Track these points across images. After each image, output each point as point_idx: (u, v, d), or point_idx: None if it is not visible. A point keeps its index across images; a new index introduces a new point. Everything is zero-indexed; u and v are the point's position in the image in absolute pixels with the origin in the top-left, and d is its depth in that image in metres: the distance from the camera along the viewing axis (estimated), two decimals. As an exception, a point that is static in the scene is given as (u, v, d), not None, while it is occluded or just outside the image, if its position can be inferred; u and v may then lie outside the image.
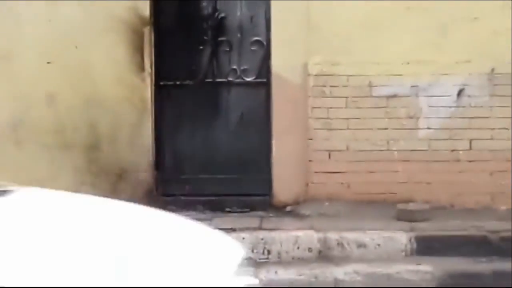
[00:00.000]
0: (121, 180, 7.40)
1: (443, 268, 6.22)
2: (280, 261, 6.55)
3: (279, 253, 6.52)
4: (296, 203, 7.51)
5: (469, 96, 7.43)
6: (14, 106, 7.26)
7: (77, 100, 7.43)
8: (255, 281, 3.90)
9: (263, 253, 6.61)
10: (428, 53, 7.49)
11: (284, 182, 7.67)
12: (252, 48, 7.69)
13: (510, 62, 7.41)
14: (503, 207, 7.36)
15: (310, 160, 7.59)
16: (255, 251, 6.60)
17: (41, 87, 7.33)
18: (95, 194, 6.51)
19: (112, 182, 7.39)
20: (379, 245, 6.57)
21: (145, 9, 7.51)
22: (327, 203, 7.47)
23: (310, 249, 6.57)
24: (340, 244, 6.62)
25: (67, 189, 6.19)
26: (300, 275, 6.30)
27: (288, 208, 7.43)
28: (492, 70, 7.40)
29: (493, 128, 7.50)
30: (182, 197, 7.59)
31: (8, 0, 7.36)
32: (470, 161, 7.50)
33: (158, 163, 7.74)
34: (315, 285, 6.37)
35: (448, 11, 7.48)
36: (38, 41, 7.30)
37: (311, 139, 7.59)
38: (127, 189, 7.42)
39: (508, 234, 6.66)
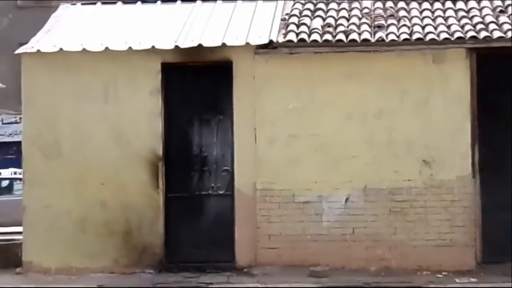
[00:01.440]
0: (144, 253, 10.11)
1: None
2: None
3: None
4: (249, 267, 10.11)
5: (352, 201, 10.22)
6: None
7: (119, 205, 10.19)
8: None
9: None
10: (328, 176, 10.29)
11: (242, 254, 10.23)
12: (223, 174, 10.42)
13: (377, 182, 10.19)
14: (373, 268, 10.02)
15: (257, 241, 10.13)
16: None
17: (97, 198, 10.09)
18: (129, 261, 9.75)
19: (139, 254, 10.11)
20: None
21: (159, 150, 10.32)
22: (267, 267, 10.01)
23: None
24: None
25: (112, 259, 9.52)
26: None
27: (245, 270, 10.05)
28: (365, 186, 10.24)
29: (366, 221, 10.24)
30: (181, 264, 10.17)
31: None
32: (353, 241, 10.19)
33: (167, 243, 10.34)
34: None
35: (340, 151, 10.16)
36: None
37: (258, 228, 10.18)
38: (148, 258, 10.16)
39: (377, 284, 9.39)
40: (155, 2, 12.28)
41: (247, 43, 10.39)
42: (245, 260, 10.26)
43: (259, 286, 9.41)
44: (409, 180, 10.29)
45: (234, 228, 10.36)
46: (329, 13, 11.38)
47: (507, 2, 11.44)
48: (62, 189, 10.17)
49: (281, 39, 10.51)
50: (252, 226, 10.32)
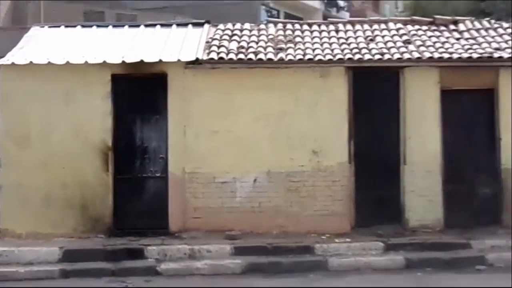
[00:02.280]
0: (97, 222, 11.09)
1: (247, 261, 9.83)
2: (171, 259, 10.04)
3: (170, 256, 10.13)
4: (179, 232, 11.06)
5: (259, 182, 11.28)
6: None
7: (77, 184, 11.12)
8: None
9: (163, 255, 10.14)
10: (240, 163, 11.23)
11: (174, 222, 11.23)
12: (160, 160, 11.41)
13: (278, 167, 11.24)
14: (274, 232, 11.02)
15: (186, 212, 11.16)
16: (159, 255, 10.12)
17: (59, 179, 11.05)
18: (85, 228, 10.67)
19: (93, 223, 11.10)
20: (217, 251, 10.22)
21: (109, 142, 11.23)
22: (194, 232, 10.98)
23: (185, 254, 10.16)
24: (199, 251, 10.18)
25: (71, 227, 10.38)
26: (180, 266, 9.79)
27: (176, 234, 10.98)
28: (269, 170, 11.25)
29: (269, 197, 11.25)
30: (126, 230, 11.02)
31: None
32: (259, 212, 11.22)
33: (115, 214, 11.26)
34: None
35: (250, 144, 11.21)
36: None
37: (187, 202, 11.18)
38: (100, 226, 11.12)
39: (277, 244, 10.38)
40: (107, 26, 12.99)
41: (179, 60, 11.17)
42: (176, 227, 11.18)
43: (187, 246, 10.29)
44: (302, 165, 11.31)
45: (168, 202, 11.32)
46: (243, 38, 12.23)
47: (376, 32, 12.69)
48: (31, 171, 11.00)
49: (205, 57, 11.33)
50: (182, 201, 11.26)
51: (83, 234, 11.04)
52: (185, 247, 10.35)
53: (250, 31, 12.70)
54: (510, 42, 12.30)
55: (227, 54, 11.52)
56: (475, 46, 12.09)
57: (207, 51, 11.61)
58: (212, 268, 9.79)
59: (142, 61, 11.16)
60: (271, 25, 13.26)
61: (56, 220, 11.01)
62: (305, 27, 13.10)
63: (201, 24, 12.75)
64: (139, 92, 11.59)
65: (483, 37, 12.62)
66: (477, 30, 13.01)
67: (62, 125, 11.27)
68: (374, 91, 11.68)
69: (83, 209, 11.19)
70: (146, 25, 12.85)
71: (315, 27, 13.14)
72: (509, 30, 12.96)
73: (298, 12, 29.64)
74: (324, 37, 12.47)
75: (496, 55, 11.74)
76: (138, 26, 12.91)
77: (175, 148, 11.37)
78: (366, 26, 13.11)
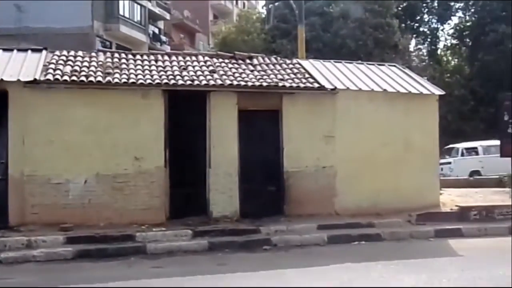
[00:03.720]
0: None
1: (77, 248, 9.81)
2: (10, 249, 9.72)
3: (9, 246, 9.88)
4: (18, 226, 10.93)
5: (89, 183, 11.42)
6: None
7: None
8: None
9: (3, 246, 9.88)
10: (73, 167, 11.39)
11: (14, 218, 11.10)
12: (1, 164, 11.15)
13: (105, 170, 11.33)
14: (102, 224, 11.02)
15: (24, 208, 11.09)
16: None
17: None
18: None
19: None
20: (51, 240, 10.07)
21: None
22: (31, 226, 10.91)
23: (23, 244, 9.93)
24: (35, 241, 9.96)
25: None
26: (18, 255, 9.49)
27: (15, 228, 10.86)
28: (97, 173, 11.39)
29: (98, 195, 11.34)
30: None
31: None
32: (89, 207, 11.21)
33: None
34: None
35: (81, 151, 11.30)
36: None
37: (25, 200, 11.15)
38: None
39: (104, 233, 10.33)
40: None
41: (18, 80, 11.15)
42: (15, 221, 11.10)
43: (24, 237, 10.25)
44: (125, 169, 11.63)
45: (7, 201, 11.23)
46: (76, 63, 12.41)
47: (188, 62, 13.37)
48: None
49: (42, 78, 11.38)
50: (20, 199, 11.21)
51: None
52: (23, 238, 10.25)
53: (83, 57, 12.88)
54: (291, 74, 13.60)
55: (61, 76, 11.58)
56: (265, 77, 13.16)
57: (44, 73, 11.61)
58: (47, 255, 9.71)
59: (-14, 80, 10.83)
60: (101, 53, 13.53)
61: None
62: (130, 56, 13.55)
63: (39, 50, 12.80)
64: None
65: (271, 70, 13.77)
66: (267, 64, 14.19)
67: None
68: (186, 110, 12.16)
69: None
70: (-9, 50, 12.58)
71: (138, 56, 13.63)
72: (290, 65, 14.31)
73: (128, 44, 30.13)
74: (146, 65, 12.94)
75: (280, 84, 12.87)
76: (-21, 50, 12.55)
77: (14, 154, 11.26)
78: (180, 58, 13.79)
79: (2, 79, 11.06)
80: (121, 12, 30.41)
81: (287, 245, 10.58)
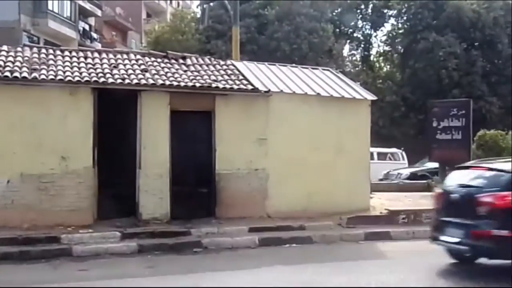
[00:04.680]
0: None
1: (1, 250, 9.65)
2: None
3: None
4: None
5: (12, 183, 11.19)
6: None
7: None
8: None
9: None
10: None
11: None
12: None
13: (30, 170, 11.15)
14: (25, 226, 10.77)
15: None
16: None
17: None
18: None
19: None
20: None
21: None
22: None
23: None
24: None
25: None
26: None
27: None
28: (22, 173, 11.20)
29: (22, 196, 11.14)
30: None
31: None
32: (12, 208, 11.05)
33: None
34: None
35: (4, 150, 11.13)
36: None
37: None
38: None
39: (26, 235, 10.22)
40: None
41: None
42: None
43: None
44: (52, 169, 11.44)
45: None
46: (0, 57, 12.20)
47: (119, 60, 13.31)
48: None
49: None
50: None
51: None
52: None
53: (8, 52, 12.70)
54: (225, 76, 13.75)
55: None
56: (198, 77, 13.21)
57: None
58: None
59: None
60: (27, 48, 13.32)
61: None
62: (58, 52, 13.38)
63: None
64: None
65: (205, 70, 13.86)
66: (201, 65, 14.26)
67: None
68: (117, 109, 12.15)
69: None
70: None
71: (67, 53, 13.47)
72: (224, 67, 14.47)
73: (57, 40, 29.58)
74: (75, 61, 12.81)
75: (214, 85, 12.95)
76: None
77: None
78: (111, 55, 13.70)
79: None
80: (49, 7, 29.81)
81: (218, 248, 10.69)
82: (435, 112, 17.79)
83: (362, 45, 41.72)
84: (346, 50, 40.85)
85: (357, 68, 40.01)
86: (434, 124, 17.62)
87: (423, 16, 35.85)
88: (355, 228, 12.30)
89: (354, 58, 42.10)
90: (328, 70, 16.20)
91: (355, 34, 41.47)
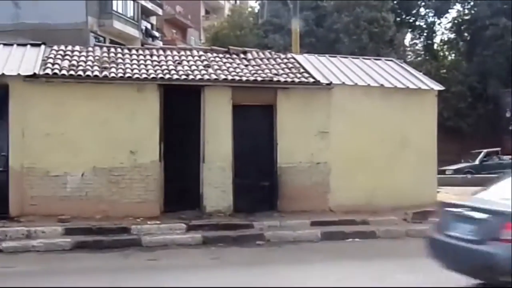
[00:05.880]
0: None
1: (75, 240, 10.21)
2: (11, 239, 10.20)
3: (10, 236, 10.30)
4: (18, 216, 11.33)
5: (86, 176, 11.81)
6: None
7: None
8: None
9: (4, 235, 10.28)
10: (71, 160, 11.73)
11: (14, 209, 11.50)
12: (1, 157, 11.57)
13: (102, 163, 11.67)
14: (98, 217, 11.35)
15: (24, 200, 11.50)
16: (1, 235, 10.24)
17: None
18: None
19: None
20: (50, 231, 10.46)
21: None
22: (31, 216, 11.27)
23: (23, 234, 10.36)
24: (34, 232, 10.41)
25: None
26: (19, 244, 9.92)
27: (15, 218, 11.27)
28: (94, 166, 11.75)
29: (94, 188, 11.68)
30: None
31: None
32: (86, 200, 11.67)
33: None
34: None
35: (79, 144, 11.63)
36: None
37: (25, 192, 11.53)
38: None
39: (100, 226, 10.76)
40: None
41: (18, 74, 11.59)
42: (16, 212, 11.53)
43: (24, 228, 10.65)
44: (121, 163, 11.97)
45: (8, 192, 11.62)
46: (73, 57, 12.83)
47: (183, 57, 13.72)
48: None
49: (41, 72, 11.78)
50: (20, 191, 11.63)
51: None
52: (23, 229, 10.63)
53: (80, 52, 13.31)
54: (285, 69, 13.99)
55: (60, 70, 11.98)
56: (259, 71, 13.54)
57: (43, 67, 12.02)
58: (46, 245, 10.05)
59: (-14, 74, 11.29)
60: (97, 48, 14.01)
61: None
62: (126, 51, 14.01)
63: (38, 45, 13.21)
64: (-16, 100, 11.47)
65: (266, 64, 14.17)
66: (261, 59, 14.57)
67: None
68: (181, 104, 12.55)
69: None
70: (-10, 44, 12.96)
71: (134, 51, 14.09)
72: (285, 60, 14.70)
73: (121, 39, 30.70)
74: (141, 59, 13.37)
75: (275, 79, 13.24)
76: (-18, 45, 12.95)
77: (15, 147, 11.65)
78: (175, 52, 14.20)
79: (3, 74, 11.48)
80: (114, 8, 31.03)
81: (281, 241, 10.81)
82: (508, 103, 16.80)
83: (425, 34, 40.94)
84: (407, 39, 40.33)
85: (419, 58, 39.38)
86: (508, 115, 16.64)
87: (491, 1, 34.73)
88: (422, 223, 11.80)
89: (416, 47, 41.44)
90: (391, 60, 16.07)
91: (417, 23, 40.75)
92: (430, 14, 40.22)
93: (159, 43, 35.16)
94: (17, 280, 8.12)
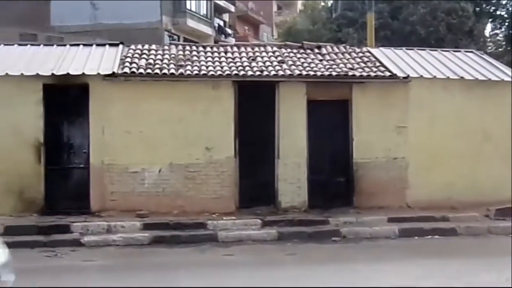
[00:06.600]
0: (31, 204, 11.59)
1: (153, 234, 10.46)
2: (92, 233, 10.50)
3: (92, 230, 10.59)
4: (99, 211, 11.75)
5: (163, 172, 12.03)
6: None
7: (16, 173, 11.50)
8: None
9: (86, 229, 10.60)
10: (148, 156, 12.04)
11: (95, 204, 11.93)
12: (83, 154, 12.08)
13: (178, 160, 11.88)
14: (175, 212, 11.57)
15: (104, 195, 11.87)
16: (83, 229, 10.54)
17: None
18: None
19: (28, 204, 11.54)
20: (129, 226, 10.80)
21: (41, 139, 11.80)
22: (111, 211, 11.67)
23: (103, 229, 10.77)
24: (114, 226, 10.82)
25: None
26: (100, 239, 10.22)
27: (96, 213, 11.68)
28: (171, 162, 12.02)
29: (171, 183, 11.96)
30: (56, 210, 11.53)
31: None
32: (163, 195, 11.90)
33: (46, 197, 11.83)
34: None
35: (156, 141, 11.93)
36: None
37: (105, 188, 11.92)
38: (34, 207, 11.55)
39: (177, 221, 10.94)
40: (39, 45, 13.57)
41: (98, 73, 11.95)
42: (96, 207, 11.92)
43: (105, 222, 11.00)
44: (197, 159, 12.16)
45: (89, 188, 12.06)
46: (150, 56, 13.12)
47: (256, 53, 13.83)
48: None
49: (120, 71, 12.08)
50: (101, 187, 11.99)
51: (21, 214, 11.50)
52: (103, 223, 11.00)
53: (156, 51, 13.61)
54: (361, 63, 13.82)
55: (137, 69, 12.29)
56: (334, 66, 13.44)
57: (121, 66, 12.34)
58: (125, 240, 10.34)
59: (68, 73, 11.87)
60: (173, 46, 14.25)
61: (-1, 202, 11.22)
62: (200, 48, 14.21)
63: (116, 45, 13.62)
64: (66, 99, 12.19)
65: (340, 59, 14.05)
66: (336, 53, 14.47)
67: (1, 125, 11.74)
68: (255, 100, 12.63)
69: (20, 193, 11.72)
70: (71, 45, 13.59)
71: (208, 48, 14.28)
72: (360, 54, 14.53)
73: (194, 37, 31.15)
74: (216, 56, 13.55)
75: (350, 73, 13.11)
76: (64, 45, 13.65)
77: (95, 144, 12.05)
78: (248, 49, 14.30)
79: (83, 73, 11.90)
80: (188, 6, 31.56)
81: (357, 237, 10.78)
82: None
83: (506, 23, 39.52)
84: (488, 30, 38.98)
85: (500, 49, 38.01)
86: None
87: None
88: (505, 220, 11.63)
89: (497, 38, 40.05)
90: (471, 51, 15.69)
91: (498, 12, 39.37)
92: (512, 3, 38.74)
93: (232, 40, 35.46)
94: (97, 274, 8.34)
